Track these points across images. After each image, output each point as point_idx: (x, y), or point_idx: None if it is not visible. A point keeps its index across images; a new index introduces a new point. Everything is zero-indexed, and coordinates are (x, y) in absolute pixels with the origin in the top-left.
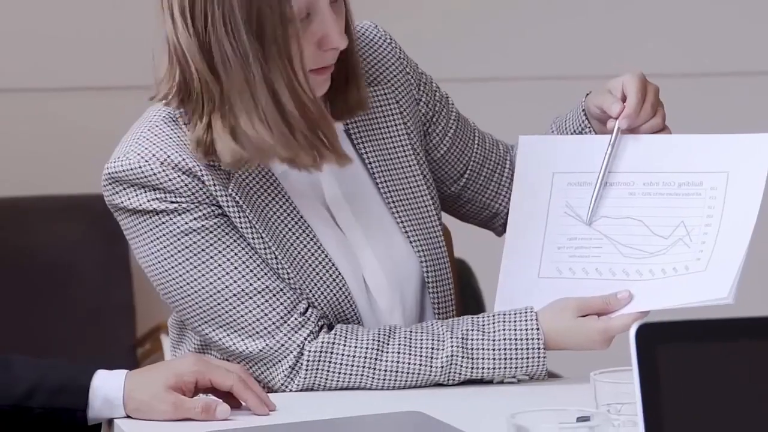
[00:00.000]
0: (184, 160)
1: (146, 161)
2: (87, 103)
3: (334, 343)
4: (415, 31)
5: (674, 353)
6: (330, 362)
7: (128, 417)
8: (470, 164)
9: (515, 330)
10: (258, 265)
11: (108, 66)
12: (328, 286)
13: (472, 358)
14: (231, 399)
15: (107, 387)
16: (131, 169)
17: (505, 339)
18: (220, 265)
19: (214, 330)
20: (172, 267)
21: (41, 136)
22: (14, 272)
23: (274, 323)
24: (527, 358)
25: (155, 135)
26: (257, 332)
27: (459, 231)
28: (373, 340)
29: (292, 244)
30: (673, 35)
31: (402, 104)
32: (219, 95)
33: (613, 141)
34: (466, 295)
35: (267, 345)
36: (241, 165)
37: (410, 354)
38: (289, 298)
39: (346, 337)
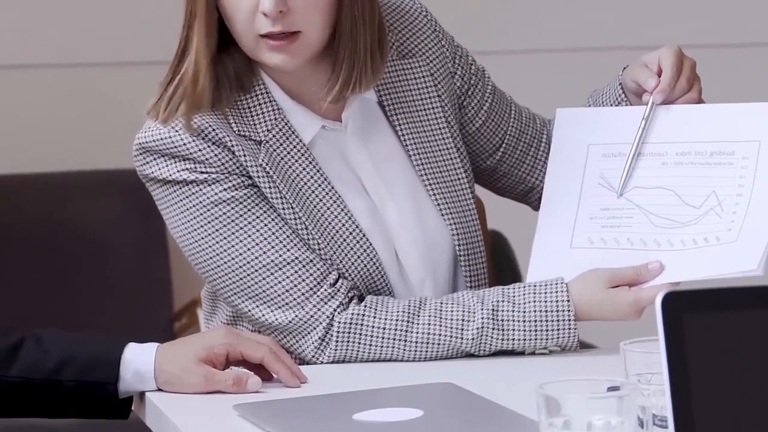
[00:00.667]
0: (214, 130)
1: (177, 131)
2: (125, 77)
3: (364, 315)
4: (453, 4)
5: (700, 321)
6: (360, 334)
7: (159, 390)
8: (506, 138)
9: (545, 301)
10: (288, 236)
11: (147, 41)
12: (359, 257)
13: (503, 329)
14: (262, 371)
15: (138, 360)
16: (161, 139)
17: (535, 310)
18: (250, 236)
19: (244, 301)
20: (203, 238)
21: (78, 111)
22: (51, 247)
23: (303, 294)
24: (558, 329)
25: None
26: (287, 303)
27: (494, 202)
28: (404, 311)
29: (322, 215)
30: (710, 6)
31: (436, 77)
32: None
33: (647, 115)
34: (501, 266)
35: (296, 316)
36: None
37: (441, 325)
38: (319, 269)
39: (376, 309)
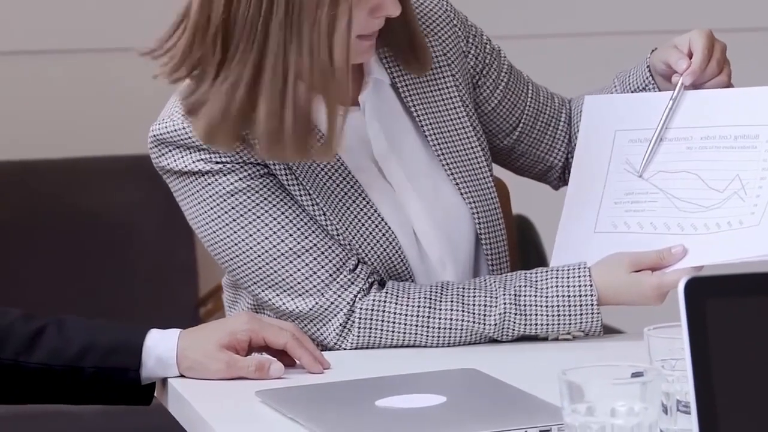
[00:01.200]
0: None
1: (190, 122)
2: (150, 63)
3: (385, 301)
4: None
5: (723, 307)
6: (382, 320)
7: (181, 376)
8: (523, 117)
9: (568, 286)
10: (306, 223)
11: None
12: (378, 241)
13: (525, 315)
14: (285, 357)
15: (160, 346)
16: (175, 131)
17: (558, 295)
18: (267, 224)
19: (264, 290)
20: (220, 228)
21: (102, 96)
22: (77, 233)
23: (323, 281)
24: (581, 314)
25: None
26: (307, 291)
27: (520, 187)
28: (425, 297)
29: (340, 200)
30: None
31: (449, 56)
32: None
33: (675, 95)
34: (527, 250)
35: (317, 303)
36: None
37: (463, 311)
38: (338, 255)
39: (397, 295)
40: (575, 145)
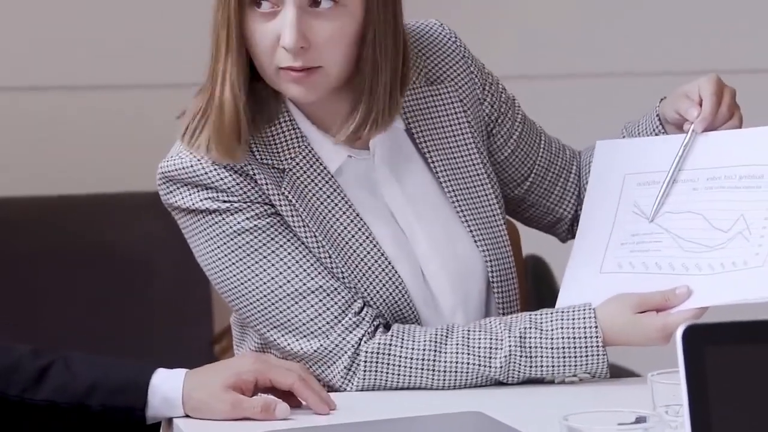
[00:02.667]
0: (210, 157)
1: (198, 160)
2: (167, 99)
3: (391, 344)
4: (484, 29)
5: (722, 354)
6: (388, 363)
7: (187, 416)
8: (535, 168)
9: (573, 328)
10: (312, 264)
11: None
12: (384, 285)
13: (531, 357)
14: (290, 398)
15: (166, 386)
16: (183, 168)
17: (563, 337)
18: (273, 264)
19: (269, 330)
20: (227, 267)
21: (119, 133)
22: (92, 268)
23: (328, 323)
24: (586, 356)
25: None
26: (312, 332)
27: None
28: (431, 340)
29: (347, 243)
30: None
31: (465, 103)
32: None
33: (686, 142)
34: (541, 290)
35: (321, 345)
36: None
37: (468, 354)
38: (343, 297)
39: (403, 338)
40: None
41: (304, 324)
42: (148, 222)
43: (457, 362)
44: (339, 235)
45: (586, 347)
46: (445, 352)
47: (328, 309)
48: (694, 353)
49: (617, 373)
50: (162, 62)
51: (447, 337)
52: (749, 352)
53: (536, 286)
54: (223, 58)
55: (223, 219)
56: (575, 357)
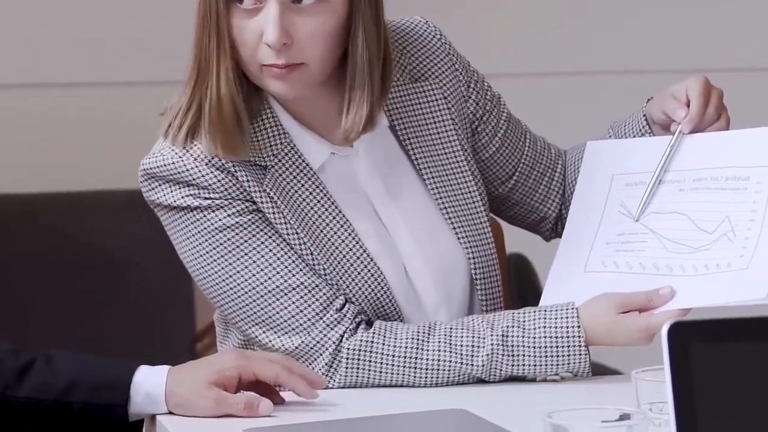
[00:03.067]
0: (217, 156)
1: (180, 157)
2: (151, 96)
3: (372, 341)
4: (470, 26)
5: (707, 352)
6: (370, 360)
7: (170, 413)
8: (519, 166)
9: (556, 327)
10: (293, 261)
11: (171, 60)
12: (366, 281)
13: (513, 355)
14: (274, 396)
15: (149, 383)
16: (165, 165)
17: (545, 336)
18: (254, 261)
19: (251, 326)
20: (208, 263)
21: (102, 130)
22: (74, 266)
23: (309, 320)
24: (568, 355)
25: None
26: (293, 329)
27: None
28: (413, 338)
29: (329, 240)
30: (736, 30)
31: (449, 100)
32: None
33: (673, 143)
34: (524, 289)
35: (303, 342)
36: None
37: (450, 352)
38: (325, 294)
39: (385, 335)
40: (569, 196)
41: (285, 321)
42: (131, 219)
43: (439, 360)
44: (321, 231)
45: (569, 347)
46: (427, 350)
47: (309, 306)
48: (680, 350)
49: (599, 371)
50: (146, 60)
51: (429, 334)
52: (734, 349)
53: (519, 285)
54: (215, 53)
55: (205, 216)
56: (557, 356)
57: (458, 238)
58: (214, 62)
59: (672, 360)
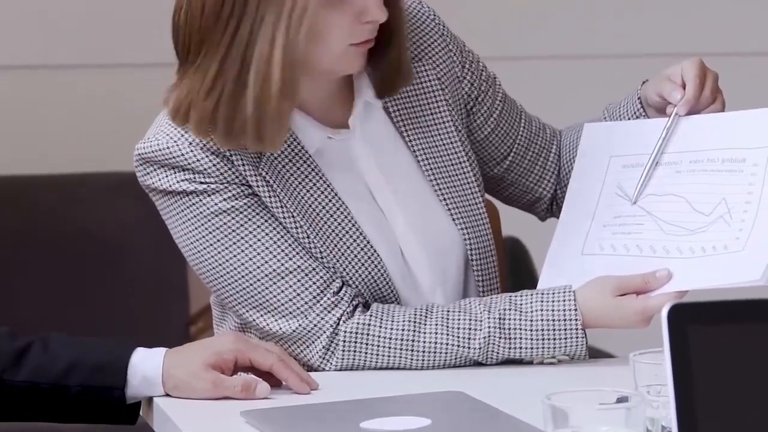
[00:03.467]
0: (212, 140)
1: (175, 142)
2: (146, 79)
3: (369, 324)
4: (467, 9)
5: (706, 333)
6: (366, 343)
7: (167, 395)
8: (515, 147)
9: (553, 310)
10: (290, 245)
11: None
12: (362, 264)
13: (510, 338)
14: (270, 378)
15: (146, 365)
16: (160, 150)
17: (542, 319)
18: (251, 245)
19: (248, 310)
20: (205, 248)
21: (97, 112)
22: (68, 249)
23: (306, 303)
24: (565, 338)
25: None
26: (290, 312)
27: (512, 209)
28: (410, 320)
29: (325, 222)
30: (731, 14)
31: (444, 81)
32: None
33: (669, 125)
34: (519, 272)
35: (300, 325)
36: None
37: (447, 334)
38: (322, 277)
39: (382, 318)
40: (565, 176)
41: (282, 304)
42: (125, 202)
43: (436, 342)
44: (317, 215)
45: (566, 329)
46: (424, 333)
47: (306, 289)
48: (679, 332)
49: (596, 354)
50: (141, 41)
51: (426, 317)
52: (733, 331)
53: (515, 268)
54: (282, 44)
55: (200, 200)
56: (554, 339)
57: (453, 219)
58: (277, 53)
59: (671, 341)
